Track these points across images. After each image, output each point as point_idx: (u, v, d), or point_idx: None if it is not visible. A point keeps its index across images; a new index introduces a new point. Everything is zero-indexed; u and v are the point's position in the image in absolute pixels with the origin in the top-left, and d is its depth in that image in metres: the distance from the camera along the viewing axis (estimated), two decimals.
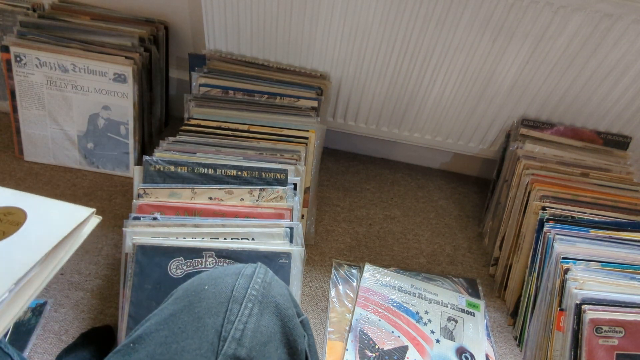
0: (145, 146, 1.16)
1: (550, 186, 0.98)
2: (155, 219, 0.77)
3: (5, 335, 0.73)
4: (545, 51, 0.95)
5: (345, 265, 1.01)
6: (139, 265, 0.72)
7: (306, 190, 0.97)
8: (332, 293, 0.95)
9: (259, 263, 0.46)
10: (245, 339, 0.38)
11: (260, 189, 0.84)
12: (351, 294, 0.95)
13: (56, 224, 0.32)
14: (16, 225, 0.31)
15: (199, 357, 0.37)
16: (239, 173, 0.85)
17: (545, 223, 0.91)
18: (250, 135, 0.96)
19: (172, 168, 0.83)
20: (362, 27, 0.97)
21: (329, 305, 0.93)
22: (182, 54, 1.20)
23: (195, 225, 0.77)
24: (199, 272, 0.73)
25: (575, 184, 0.99)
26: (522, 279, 0.96)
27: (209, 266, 0.73)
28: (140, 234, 0.75)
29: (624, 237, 0.90)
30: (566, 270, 0.83)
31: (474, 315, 0.95)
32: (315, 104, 1.04)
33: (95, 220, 0.34)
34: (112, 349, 0.78)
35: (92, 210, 0.33)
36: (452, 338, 0.90)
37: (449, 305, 0.96)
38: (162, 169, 0.83)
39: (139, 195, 0.81)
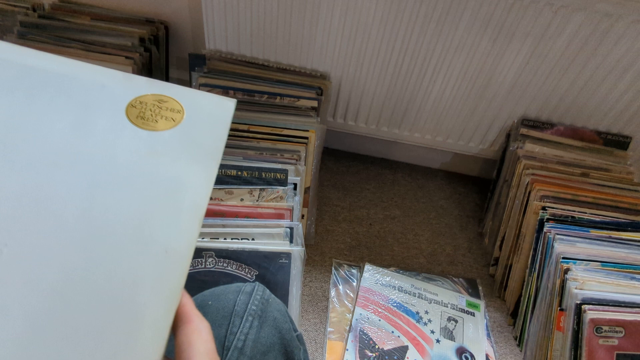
0: None
1: (550, 186, 0.98)
2: None
3: None
4: (545, 51, 0.95)
5: (345, 265, 1.01)
6: None
7: (306, 190, 0.97)
8: (332, 293, 0.95)
9: (257, 282, 0.50)
10: (246, 349, 0.42)
11: (260, 189, 0.84)
12: (351, 294, 0.95)
13: (213, 111, 0.31)
14: (179, 113, 0.30)
15: None
16: (239, 173, 0.85)
17: (545, 223, 0.91)
18: (250, 135, 0.96)
19: None
20: (362, 27, 0.97)
21: (329, 305, 0.93)
22: (182, 54, 1.20)
23: None
24: (198, 273, 0.73)
25: (575, 184, 0.99)
26: (522, 279, 0.96)
27: (209, 266, 0.73)
28: None
29: (624, 237, 0.90)
30: (566, 270, 0.83)
31: (474, 315, 0.95)
32: (315, 104, 1.04)
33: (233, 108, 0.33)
34: None
35: (235, 100, 0.32)
36: (452, 338, 0.90)
37: (449, 305, 0.96)
38: None
39: None
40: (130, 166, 0.28)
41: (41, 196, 0.25)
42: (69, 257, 0.24)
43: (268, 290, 0.49)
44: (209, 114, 0.31)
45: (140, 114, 0.30)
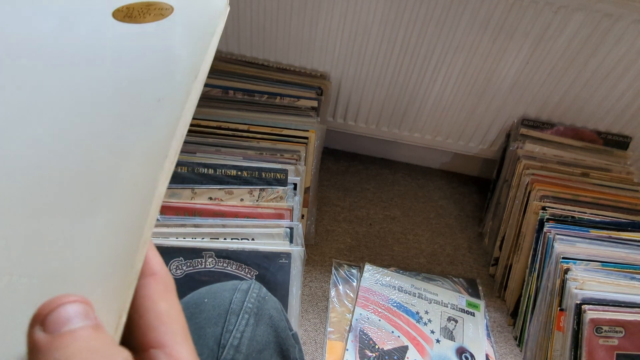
0: None
1: (550, 186, 0.98)
2: None
3: None
4: (545, 51, 0.95)
5: (345, 265, 1.01)
6: None
7: (306, 190, 0.97)
8: (332, 293, 0.95)
9: (254, 280, 0.50)
10: (242, 347, 0.42)
11: (260, 189, 0.84)
12: (351, 294, 0.95)
13: (205, 4, 0.31)
14: (167, 10, 0.30)
15: None
16: (239, 173, 0.85)
17: (545, 223, 0.91)
18: (250, 135, 0.96)
19: None
20: (362, 27, 0.97)
21: (329, 305, 0.93)
22: None
23: (195, 226, 0.77)
24: (198, 273, 0.73)
25: (575, 184, 0.99)
26: (522, 279, 0.96)
27: (209, 266, 0.73)
28: None
29: (624, 237, 0.90)
30: (566, 270, 0.83)
31: (474, 315, 0.95)
32: (315, 104, 1.04)
33: (228, 8, 0.32)
34: None
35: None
36: (452, 338, 0.90)
37: (449, 305, 0.96)
38: None
39: None
40: (118, 45, 0.28)
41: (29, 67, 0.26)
42: (56, 113, 0.24)
43: (264, 288, 0.49)
44: (201, 6, 0.31)
45: (127, 14, 0.30)
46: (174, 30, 0.29)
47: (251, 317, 0.44)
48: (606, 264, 0.85)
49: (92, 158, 0.22)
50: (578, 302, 0.78)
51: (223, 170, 0.85)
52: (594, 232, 0.90)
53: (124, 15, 0.30)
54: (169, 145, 0.22)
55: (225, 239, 0.77)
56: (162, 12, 0.30)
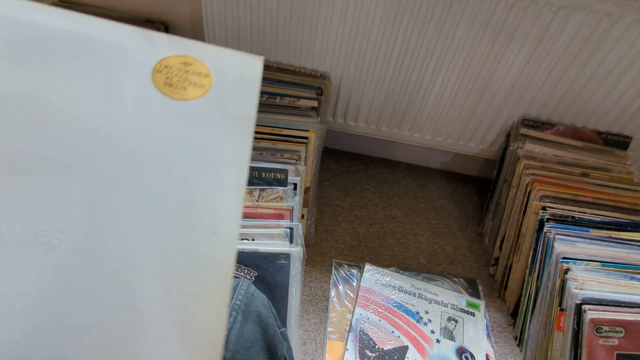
0: None
1: (551, 186, 0.98)
2: None
3: None
4: (545, 51, 0.95)
5: (345, 265, 1.01)
6: None
7: (306, 190, 0.97)
8: (332, 293, 0.95)
9: (242, 278, 0.50)
10: (230, 344, 0.42)
11: (260, 189, 0.84)
12: (351, 294, 0.95)
13: (241, 73, 0.30)
14: (206, 77, 0.30)
15: None
16: None
17: (546, 223, 0.91)
18: None
19: None
20: (362, 27, 0.96)
21: (329, 305, 0.93)
22: None
23: None
24: None
25: (575, 184, 0.99)
26: (522, 279, 0.96)
27: None
28: None
29: (624, 237, 0.90)
30: (566, 270, 0.83)
31: (474, 315, 0.95)
32: (315, 104, 1.04)
33: (260, 80, 0.32)
34: None
35: (262, 57, 0.31)
36: (452, 338, 0.90)
37: (449, 305, 0.96)
38: None
39: None
40: (166, 143, 0.27)
41: (83, 179, 0.25)
42: (120, 242, 0.24)
43: (253, 286, 0.49)
44: (237, 76, 0.30)
45: (167, 80, 0.29)
46: (215, 119, 0.29)
47: (239, 314, 0.44)
48: (606, 264, 0.85)
49: (163, 302, 0.23)
50: (578, 302, 0.78)
51: None
52: (594, 232, 0.90)
53: (164, 82, 0.29)
54: (228, 281, 0.23)
55: None
56: (202, 82, 0.30)
